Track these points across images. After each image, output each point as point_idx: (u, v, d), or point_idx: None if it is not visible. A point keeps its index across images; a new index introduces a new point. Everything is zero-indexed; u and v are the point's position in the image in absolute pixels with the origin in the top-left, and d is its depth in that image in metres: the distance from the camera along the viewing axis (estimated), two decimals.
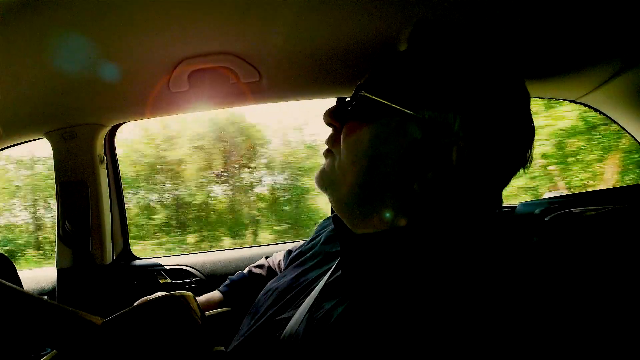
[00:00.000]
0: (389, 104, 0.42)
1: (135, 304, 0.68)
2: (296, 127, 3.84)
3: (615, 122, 1.10)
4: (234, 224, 3.52)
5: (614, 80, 0.96)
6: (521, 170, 0.45)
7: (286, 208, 3.56)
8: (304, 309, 0.45)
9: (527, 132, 0.43)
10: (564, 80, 1.00)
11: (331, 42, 0.77)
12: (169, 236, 3.37)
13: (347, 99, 0.49)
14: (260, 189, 3.60)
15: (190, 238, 3.39)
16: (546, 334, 0.31)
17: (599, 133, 2.84)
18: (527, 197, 2.77)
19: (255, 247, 1.29)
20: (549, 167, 2.99)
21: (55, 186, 1.14)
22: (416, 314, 0.33)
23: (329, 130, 0.50)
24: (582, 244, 0.51)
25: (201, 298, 0.76)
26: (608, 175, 2.83)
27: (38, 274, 1.21)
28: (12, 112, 0.95)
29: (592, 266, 0.48)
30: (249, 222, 3.53)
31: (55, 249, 1.15)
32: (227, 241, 3.43)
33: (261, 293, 0.60)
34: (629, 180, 2.80)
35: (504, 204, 0.46)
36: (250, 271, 0.83)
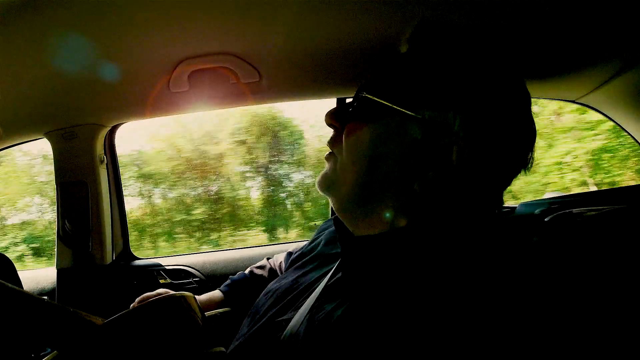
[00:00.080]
0: (390, 104, 0.42)
1: (136, 300, 0.69)
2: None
3: (615, 122, 1.10)
4: (270, 220, 3.50)
5: (614, 80, 0.96)
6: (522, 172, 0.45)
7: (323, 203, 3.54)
8: (304, 310, 0.45)
9: (528, 134, 0.43)
10: (564, 80, 1.00)
11: (331, 42, 0.77)
12: (207, 232, 3.32)
13: (348, 100, 0.49)
14: (294, 184, 3.58)
15: (227, 234, 3.35)
16: (546, 334, 0.31)
17: None
18: None
19: (256, 248, 1.29)
20: None
21: (55, 186, 1.14)
22: (416, 314, 0.33)
23: None
24: (582, 245, 0.51)
25: (202, 297, 0.76)
26: None
27: (38, 274, 1.21)
28: (12, 112, 0.95)
29: (592, 266, 0.48)
30: (283, 218, 3.51)
31: (55, 249, 1.15)
32: (262, 237, 3.41)
33: (262, 294, 0.60)
34: None
35: (504, 204, 0.46)
36: (251, 272, 0.83)
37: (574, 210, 0.58)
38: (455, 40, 0.45)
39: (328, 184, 0.48)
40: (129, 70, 0.82)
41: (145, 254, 1.28)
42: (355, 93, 0.47)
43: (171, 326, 0.42)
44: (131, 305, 0.71)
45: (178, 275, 1.17)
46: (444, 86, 0.41)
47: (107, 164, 1.20)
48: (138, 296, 0.71)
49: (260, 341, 0.48)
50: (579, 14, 0.71)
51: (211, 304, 0.76)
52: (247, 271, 0.83)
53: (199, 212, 3.33)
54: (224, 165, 3.40)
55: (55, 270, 1.14)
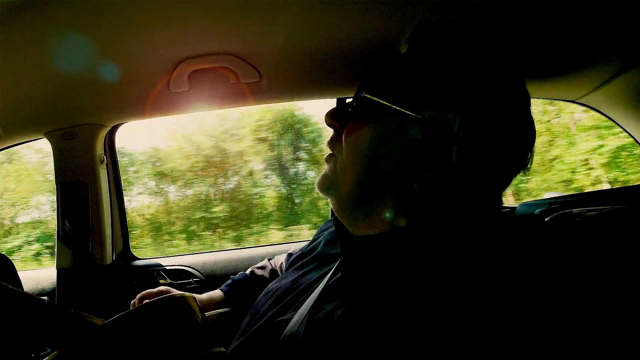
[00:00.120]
0: (389, 104, 0.42)
1: (137, 296, 0.69)
2: None
3: (616, 122, 1.10)
4: (289, 217, 3.49)
5: (614, 80, 0.96)
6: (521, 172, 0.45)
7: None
8: (304, 310, 0.45)
9: (528, 134, 0.43)
10: (564, 81, 1.00)
11: (331, 42, 0.77)
12: (227, 230, 3.30)
13: (348, 100, 0.49)
14: (312, 182, 3.57)
15: (247, 231, 3.32)
16: (546, 334, 0.31)
17: None
18: None
19: (256, 248, 1.29)
20: None
21: (55, 186, 1.14)
22: (416, 314, 0.33)
23: None
24: (582, 245, 0.51)
25: (203, 296, 0.76)
26: None
27: (38, 274, 1.21)
28: (12, 112, 0.95)
29: (593, 267, 0.48)
30: (301, 215, 3.49)
31: (55, 249, 1.15)
32: (280, 235, 3.39)
33: (262, 294, 0.60)
34: None
35: (504, 205, 0.46)
36: (252, 272, 0.83)
37: (574, 210, 0.58)
38: (455, 40, 0.45)
39: (328, 184, 0.48)
40: (129, 70, 0.82)
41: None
42: (355, 93, 0.47)
43: (171, 327, 0.42)
44: (132, 302, 0.71)
45: (178, 275, 1.17)
46: (444, 86, 0.41)
47: (107, 164, 1.20)
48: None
49: (260, 341, 0.48)
50: (579, 14, 0.71)
51: (212, 304, 0.76)
52: (248, 271, 0.84)
53: (219, 209, 3.30)
54: (244, 162, 3.37)
55: (55, 270, 1.14)
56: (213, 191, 3.37)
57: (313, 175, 3.56)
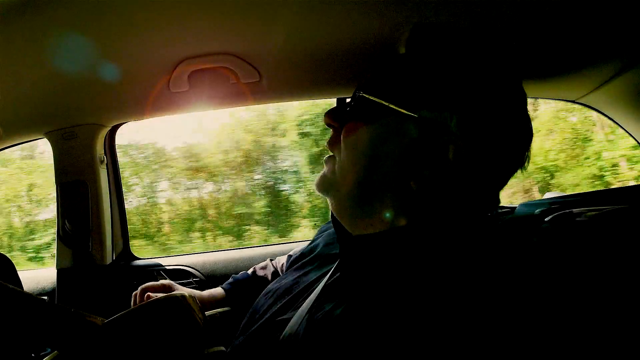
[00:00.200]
0: (387, 104, 0.42)
1: (139, 288, 0.69)
2: None
3: (616, 123, 1.10)
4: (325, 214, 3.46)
5: (614, 80, 0.96)
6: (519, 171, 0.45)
7: None
8: (303, 309, 0.45)
9: (524, 133, 0.44)
10: (564, 81, 1.00)
11: (331, 42, 0.77)
12: (269, 225, 3.25)
13: (348, 99, 0.50)
14: None
15: (287, 226, 3.27)
16: (546, 333, 0.31)
17: None
18: None
19: (256, 248, 1.29)
20: None
21: (55, 186, 1.14)
22: (415, 313, 0.33)
23: None
24: (583, 245, 0.51)
25: (204, 293, 0.77)
26: None
27: (38, 274, 1.21)
28: (12, 112, 0.95)
29: (593, 267, 0.48)
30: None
31: (55, 249, 1.15)
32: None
33: (261, 294, 0.60)
34: None
35: (504, 205, 0.46)
36: (254, 272, 0.83)
37: (574, 210, 0.57)
38: (452, 41, 0.45)
39: (327, 185, 0.48)
40: (129, 70, 0.82)
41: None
42: (353, 93, 0.47)
43: (171, 326, 0.42)
44: (134, 293, 0.71)
45: (178, 275, 1.17)
46: (441, 86, 0.41)
47: (107, 164, 1.20)
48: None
49: (259, 341, 0.48)
50: (579, 14, 0.71)
51: (213, 301, 0.76)
52: (249, 271, 0.84)
53: (260, 204, 3.26)
54: (286, 157, 3.32)
55: (55, 270, 1.14)
56: (252, 187, 3.32)
57: None
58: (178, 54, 0.79)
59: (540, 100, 1.14)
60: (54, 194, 1.14)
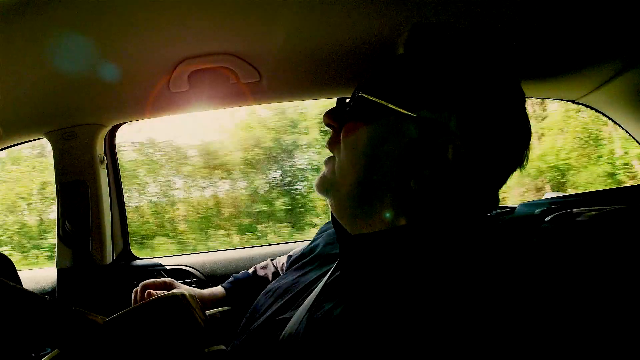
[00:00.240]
0: (386, 104, 0.43)
1: (140, 285, 0.69)
2: None
3: (616, 123, 1.10)
4: None
5: (614, 80, 0.96)
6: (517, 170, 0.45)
7: None
8: (303, 309, 0.45)
9: (523, 132, 0.44)
10: (564, 81, 1.00)
11: (331, 42, 0.77)
12: (291, 223, 3.19)
13: (348, 99, 0.50)
14: None
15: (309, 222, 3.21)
16: (545, 334, 0.31)
17: None
18: None
19: (255, 248, 1.29)
20: None
21: (55, 186, 1.14)
22: (414, 313, 0.33)
23: None
24: (583, 245, 0.51)
25: (205, 292, 0.77)
26: None
27: (38, 274, 1.21)
28: (12, 112, 0.95)
29: (593, 267, 0.48)
30: None
31: (55, 249, 1.15)
32: None
33: (261, 294, 0.60)
34: None
35: (504, 205, 0.46)
36: (254, 271, 0.83)
37: (574, 210, 0.57)
38: (450, 41, 0.45)
39: (327, 186, 0.48)
40: (129, 70, 0.82)
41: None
42: (352, 93, 0.48)
43: (172, 324, 0.42)
44: (134, 290, 0.71)
45: (178, 275, 1.17)
46: (439, 86, 0.42)
47: (107, 164, 1.20)
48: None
49: (259, 340, 0.48)
50: (578, 14, 0.71)
51: (213, 300, 0.76)
52: (250, 270, 0.84)
53: (280, 202, 3.23)
54: (307, 155, 3.29)
55: (55, 270, 1.14)
56: (271, 184, 3.29)
57: None
58: (178, 54, 0.79)
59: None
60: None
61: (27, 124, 1.06)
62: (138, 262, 1.22)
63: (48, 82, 0.84)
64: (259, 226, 3.20)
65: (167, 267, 1.18)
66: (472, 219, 0.43)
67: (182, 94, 0.94)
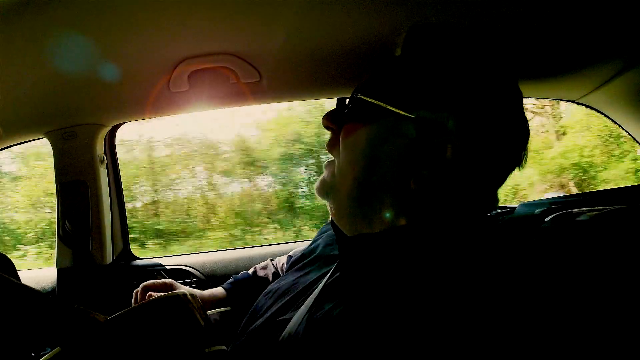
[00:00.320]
0: (385, 105, 0.43)
1: (140, 286, 0.69)
2: None
3: (616, 123, 1.10)
4: None
5: (614, 80, 0.96)
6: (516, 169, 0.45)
7: None
8: (303, 309, 0.45)
9: (521, 131, 0.44)
10: (564, 81, 1.00)
11: (331, 42, 0.77)
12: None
13: (347, 100, 0.50)
14: None
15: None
16: (545, 334, 0.31)
17: None
18: None
19: (255, 248, 1.29)
20: None
21: (55, 186, 1.14)
22: (414, 313, 0.33)
23: None
24: (583, 245, 0.51)
25: (205, 293, 0.77)
26: None
27: (38, 274, 1.21)
28: (12, 112, 0.95)
29: (593, 267, 0.48)
30: None
31: (55, 249, 1.15)
32: None
33: (262, 294, 0.60)
34: None
35: (504, 205, 0.46)
36: (255, 272, 0.83)
37: (574, 210, 0.57)
38: (448, 41, 0.45)
39: (327, 189, 0.49)
40: (129, 70, 0.82)
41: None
42: (351, 95, 0.48)
43: (173, 324, 0.42)
44: (135, 290, 0.71)
45: (178, 275, 1.17)
46: (437, 86, 0.42)
47: (107, 164, 1.20)
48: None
49: (260, 340, 0.48)
50: (578, 14, 0.71)
51: (214, 301, 0.76)
52: (250, 271, 0.84)
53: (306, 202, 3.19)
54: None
55: (55, 270, 1.14)
56: (310, 180, 3.25)
57: None
58: (178, 54, 0.79)
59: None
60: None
61: (27, 124, 1.06)
62: (138, 262, 1.22)
63: (48, 82, 0.84)
64: (295, 221, 3.18)
65: (167, 267, 1.18)
66: (472, 219, 0.43)
67: (182, 94, 0.94)
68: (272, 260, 0.87)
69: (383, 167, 0.43)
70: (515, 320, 0.31)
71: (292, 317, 0.46)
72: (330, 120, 0.50)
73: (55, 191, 1.14)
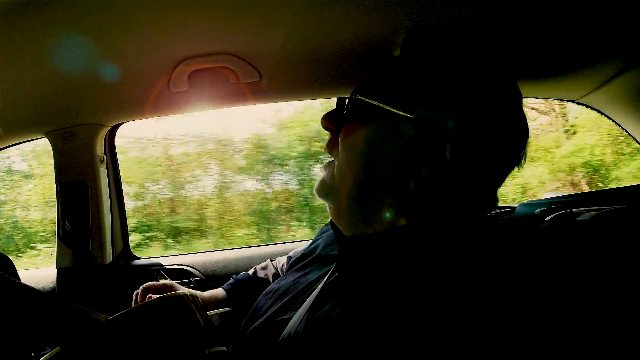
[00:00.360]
0: (384, 105, 0.43)
1: (141, 287, 0.69)
2: None
3: (616, 123, 1.10)
4: None
5: (614, 80, 0.96)
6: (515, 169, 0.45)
7: None
8: (303, 309, 0.45)
9: (520, 131, 0.44)
10: (564, 81, 1.00)
11: (331, 42, 0.77)
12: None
13: (347, 100, 0.50)
14: None
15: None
16: (545, 334, 0.31)
17: None
18: None
19: (255, 248, 1.29)
20: None
21: (55, 186, 1.14)
22: (414, 313, 0.34)
23: None
24: (583, 245, 0.51)
25: (205, 294, 0.77)
26: None
27: (38, 274, 1.21)
28: (12, 112, 0.95)
29: (593, 267, 0.48)
30: None
31: (55, 249, 1.15)
32: None
33: (262, 294, 0.60)
34: None
35: (504, 205, 0.46)
36: (255, 272, 0.83)
37: (574, 210, 0.58)
38: (446, 42, 0.46)
39: (326, 190, 0.49)
40: (129, 70, 0.82)
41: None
42: (350, 95, 0.48)
43: (173, 325, 0.42)
44: (135, 292, 0.71)
45: (178, 275, 1.17)
46: (436, 87, 0.42)
47: (107, 164, 1.20)
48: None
49: (260, 340, 0.48)
50: (578, 14, 0.71)
51: (214, 301, 0.76)
52: (250, 271, 0.84)
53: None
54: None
55: (55, 270, 1.14)
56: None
57: None
58: (178, 54, 0.79)
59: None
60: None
61: (27, 124, 1.06)
62: (138, 261, 1.22)
63: (48, 82, 0.84)
64: (315, 218, 3.17)
65: (167, 267, 1.18)
66: (472, 219, 0.43)
67: (182, 94, 0.94)
68: (272, 260, 0.87)
69: (382, 167, 0.43)
70: (515, 320, 0.31)
71: (291, 317, 0.46)
72: (329, 120, 0.50)
73: (55, 191, 1.14)
